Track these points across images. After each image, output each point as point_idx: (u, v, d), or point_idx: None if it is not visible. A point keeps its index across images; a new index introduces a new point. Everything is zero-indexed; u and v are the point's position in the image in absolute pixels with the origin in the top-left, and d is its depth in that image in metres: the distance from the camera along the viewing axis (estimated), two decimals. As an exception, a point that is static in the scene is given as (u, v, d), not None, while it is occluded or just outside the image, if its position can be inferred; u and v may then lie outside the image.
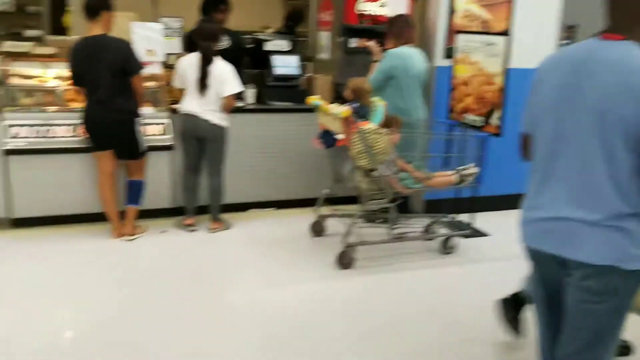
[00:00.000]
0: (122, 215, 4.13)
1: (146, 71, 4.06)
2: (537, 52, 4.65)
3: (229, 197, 4.50)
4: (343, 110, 3.59)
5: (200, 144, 4.21)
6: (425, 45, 4.69)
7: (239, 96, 4.31)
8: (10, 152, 3.97)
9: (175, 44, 4.70)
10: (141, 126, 4.01)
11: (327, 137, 3.87)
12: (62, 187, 4.17)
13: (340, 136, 3.73)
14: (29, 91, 4.22)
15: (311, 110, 4.09)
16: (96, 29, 3.79)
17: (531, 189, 1.95)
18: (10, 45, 4.61)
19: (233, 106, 4.22)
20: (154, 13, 5.10)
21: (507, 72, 4.02)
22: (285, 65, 4.81)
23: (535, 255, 1.99)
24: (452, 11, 4.58)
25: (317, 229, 4.34)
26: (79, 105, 4.06)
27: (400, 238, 4.09)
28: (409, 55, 4.20)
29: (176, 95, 4.34)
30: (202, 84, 4.02)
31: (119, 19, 3.99)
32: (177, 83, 4.20)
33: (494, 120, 4.15)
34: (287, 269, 3.79)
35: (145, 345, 2.85)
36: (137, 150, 4.02)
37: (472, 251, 4.24)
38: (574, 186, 1.79)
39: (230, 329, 3.06)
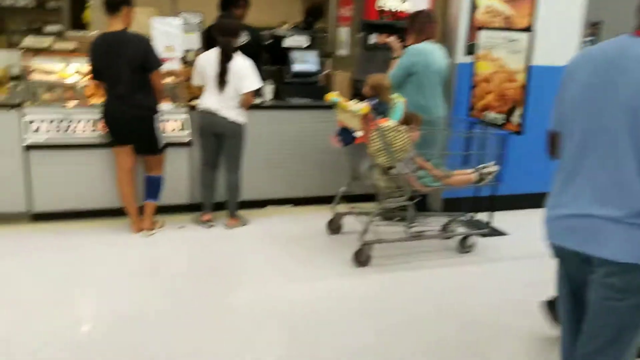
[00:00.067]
0: (141, 210, 4.16)
1: (165, 67, 4.07)
2: (560, 49, 4.65)
3: (246, 194, 4.50)
4: (362, 107, 3.56)
5: (218, 140, 4.21)
6: (447, 42, 4.63)
7: (257, 92, 4.30)
8: (31, 147, 4.01)
9: (194, 40, 4.70)
10: (160, 122, 4.02)
11: (346, 135, 3.84)
12: (81, 182, 4.21)
13: (358, 133, 3.70)
14: (50, 86, 4.25)
15: (329, 107, 4.07)
16: (116, 25, 3.80)
17: (556, 186, 1.95)
18: (31, 41, 4.64)
19: (252, 102, 4.21)
20: (173, 9, 5.11)
21: (530, 69, 3.96)
22: (304, 61, 4.79)
23: (560, 252, 1.99)
24: (474, 7, 4.52)
25: (334, 227, 4.32)
26: (99, 100, 4.09)
27: (417, 236, 4.06)
28: (430, 52, 4.15)
29: (194, 92, 4.34)
30: (222, 80, 4.01)
31: (138, 14, 4.00)
32: (196, 80, 4.20)
33: (515, 118, 4.09)
34: (303, 266, 3.78)
35: (160, 339, 2.86)
36: (156, 146, 4.03)
37: (490, 250, 4.20)
38: (600, 183, 1.78)
39: (247, 324, 3.05)
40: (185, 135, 4.31)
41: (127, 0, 3.82)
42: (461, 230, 4.32)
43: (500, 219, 4.51)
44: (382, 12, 4.99)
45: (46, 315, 3.02)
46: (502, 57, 4.14)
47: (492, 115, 4.27)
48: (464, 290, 3.59)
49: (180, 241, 4.10)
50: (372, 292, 3.51)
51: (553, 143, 2.04)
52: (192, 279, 3.55)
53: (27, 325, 2.92)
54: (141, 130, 3.94)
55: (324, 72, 5.01)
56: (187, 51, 4.61)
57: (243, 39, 4.48)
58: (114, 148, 4.04)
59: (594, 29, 5.97)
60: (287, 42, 4.82)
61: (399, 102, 3.82)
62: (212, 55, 4.06)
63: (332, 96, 3.87)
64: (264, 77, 4.44)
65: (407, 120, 3.76)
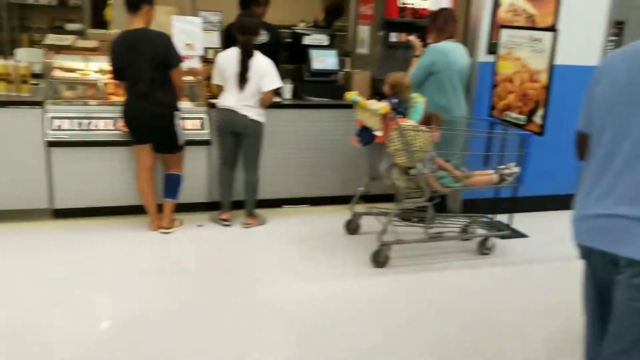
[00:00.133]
0: (160, 208, 4.17)
1: (185, 65, 4.08)
2: (584, 49, 4.58)
3: (264, 193, 4.50)
4: (382, 106, 3.53)
5: (237, 139, 4.21)
6: (468, 40, 4.59)
7: (276, 91, 4.29)
8: (53, 144, 4.04)
9: (214, 38, 4.71)
10: (180, 120, 4.03)
11: (365, 134, 3.81)
12: (101, 179, 4.24)
13: (378, 133, 3.67)
14: (71, 84, 4.28)
15: (348, 106, 4.05)
16: (137, 23, 3.82)
17: (584, 186, 1.93)
18: (53, 39, 4.68)
19: (272, 101, 4.21)
20: (193, 7, 5.12)
21: (552, 69, 3.90)
22: (324, 60, 4.76)
23: (586, 253, 1.97)
24: (496, 5, 4.45)
25: (352, 227, 4.30)
26: (120, 98, 4.11)
27: (437, 237, 4.02)
28: (451, 50, 4.11)
29: (214, 90, 4.35)
30: (242, 78, 4.01)
31: (158, 13, 4.02)
32: (216, 79, 4.19)
33: (537, 118, 4.03)
34: (321, 266, 3.77)
35: (175, 336, 2.87)
36: (176, 144, 4.05)
37: (510, 252, 4.15)
38: (628, 184, 1.77)
39: (264, 323, 3.05)
40: (204, 133, 4.32)
41: (148, -2, 3.84)
42: (481, 231, 4.27)
43: (520, 220, 4.45)
44: (403, 9, 4.95)
45: (58, 312, 3.05)
46: (524, 56, 4.08)
47: (513, 115, 4.21)
48: (482, 293, 3.56)
49: (198, 240, 4.12)
50: (390, 292, 3.49)
51: (581, 144, 2.00)
52: (208, 277, 3.56)
53: (40, 321, 2.95)
54: (161, 128, 3.96)
55: (344, 71, 4.98)
56: (207, 49, 4.62)
57: (262, 37, 4.47)
58: (134, 146, 4.06)
59: (617, 29, 5.87)
60: (307, 41, 4.79)
61: (419, 102, 3.78)
62: (233, 54, 4.05)
63: (352, 95, 3.84)
64: (283, 75, 4.43)
65: (428, 120, 3.73)
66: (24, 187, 4.11)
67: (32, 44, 7.32)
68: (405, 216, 4.27)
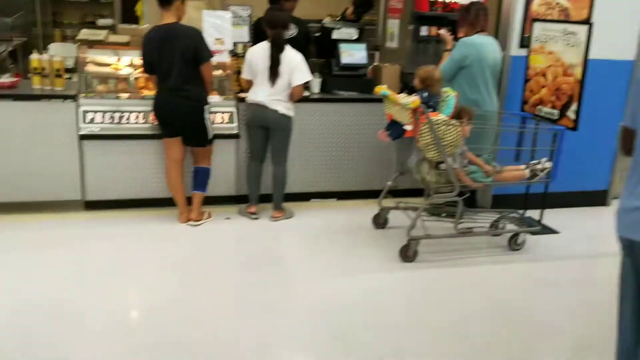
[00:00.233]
0: (189, 201, 4.21)
1: (215, 59, 4.10)
2: (619, 43, 4.47)
3: (292, 187, 4.51)
4: (413, 100, 3.50)
5: (265, 133, 4.23)
6: (500, 34, 4.52)
7: (305, 85, 4.29)
8: (85, 137, 4.11)
9: (243, 33, 4.72)
10: (209, 114, 4.06)
11: (395, 128, 3.78)
12: (132, 172, 4.30)
13: (408, 127, 3.64)
14: (103, 78, 4.34)
15: (377, 100, 4.02)
16: (168, 18, 3.85)
17: (630, 180, 1.92)
18: (86, 33, 4.76)
19: (302, 95, 4.21)
20: (223, 2, 5.15)
21: (587, 63, 3.81)
22: (353, 54, 4.74)
23: (629, 246, 1.95)
24: (529, -2, 4.38)
25: (380, 221, 4.28)
26: (150, 92, 4.16)
27: (466, 233, 3.98)
28: (483, 44, 4.06)
29: (243, 84, 4.37)
30: (273, 72, 4.02)
31: (189, 7, 4.05)
32: (246, 74, 4.20)
33: (571, 113, 3.96)
34: (348, 260, 3.76)
35: (201, 325, 2.89)
36: (205, 138, 4.08)
37: (541, 249, 4.09)
38: None
39: (289, 316, 3.06)
40: (232, 127, 4.34)
41: (179, -7, 3.87)
42: (511, 227, 4.21)
43: (551, 216, 4.39)
44: (433, 3, 4.90)
45: (90, 300, 3.10)
46: (557, 50, 4.00)
47: (546, 109, 4.14)
48: (512, 289, 3.52)
49: (225, 232, 4.15)
50: (419, 287, 3.48)
51: (626, 139, 1.97)
52: (236, 270, 3.59)
53: (71, 309, 3.00)
54: (191, 122, 3.99)
55: (372, 65, 4.95)
56: (236, 44, 4.64)
57: (291, 31, 4.47)
58: (164, 139, 4.11)
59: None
60: (336, 35, 4.77)
61: (450, 96, 3.74)
62: (263, 48, 4.06)
63: (382, 89, 3.81)
64: (312, 69, 4.43)
65: (459, 114, 3.69)
66: (57, 179, 4.19)
67: (64, 39, 7.47)
68: (435, 211, 4.24)
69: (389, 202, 4.26)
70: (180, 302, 3.14)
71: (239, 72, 4.39)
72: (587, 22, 3.88)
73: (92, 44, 4.58)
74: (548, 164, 3.84)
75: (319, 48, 4.98)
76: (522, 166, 3.89)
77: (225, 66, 4.47)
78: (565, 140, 3.84)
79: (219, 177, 4.40)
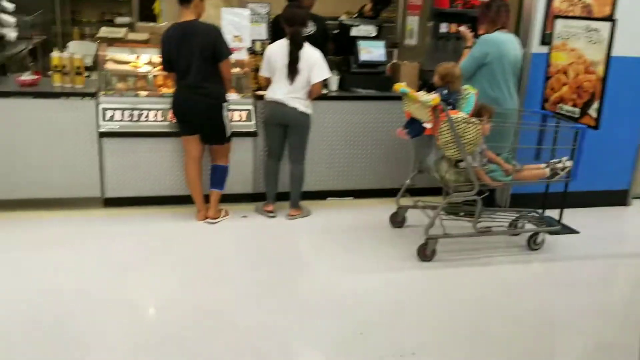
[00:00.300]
0: (207, 198, 4.22)
1: (233, 57, 4.10)
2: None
3: (309, 185, 4.50)
4: (432, 97, 3.47)
5: (283, 131, 4.22)
6: (521, 31, 4.46)
7: (323, 83, 4.27)
8: (105, 134, 4.14)
9: (261, 30, 4.72)
10: (228, 112, 4.06)
11: (414, 126, 3.76)
12: (151, 169, 4.32)
13: (427, 125, 3.61)
14: (123, 76, 4.37)
15: (395, 98, 4.00)
16: (187, 15, 3.86)
17: None
18: (106, 31, 4.79)
19: (320, 93, 4.20)
20: (241, -1, 5.14)
21: (609, 61, 3.76)
22: (371, 51, 4.71)
23: None
24: (551, -6, 4.32)
25: (398, 220, 4.26)
26: (169, 90, 4.18)
27: (485, 232, 3.94)
28: (504, 42, 4.01)
29: (261, 82, 4.36)
30: (292, 69, 4.01)
31: (208, 4, 4.05)
32: (264, 72, 4.20)
33: (592, 111, 3.90)
34: (366, 258, 3.75)
35: (217, 322, 2.91)
36: (224, 135, 4.08)
37: (560, 248, 4.05)
38: None
39: (307, 314, 3.06)
40: (250, 125, 4.34)
41: (198, -9, 3.87)
42: (530, 226, 4.17)
43: (571, 216, 4.33)
44: (453, 0, 4.86)
45: (110, 296, 3.13)
46: (580, 47, 3.95)
47: (567, 107, 4.09)
48: (531, 289, 3.50)
49: (243, 230, 4.15)
50: (436, 286, 3.46)
51: None
52: (253, 267, 3.60)
53: (91, 306, 3.03)
54: (209, 120, 4.00)
55: (391, 63, 4.92)
56: (255, 41, 4.64)
57: (310, 28, 4.46)
58: (183, 137, 4.12)
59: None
60: (355, 32, 4.74)
61: (471, 94, 3.70)
62: (282, 46, 4.06)
63: (401, 86, 3.78)
64: (330, 67, 4.41)
65: (479, 112, 3.64)
66: (76, 176, 4.22)
67: (83, 37, 7.53)
68: (452, 210, 4.21)
69: (406, 201, 4.23)
70: (197, 298, 3.15)
71: (257, 70, 4.39)
72: (610, 18, 3.81)
73: (111, 41, 4.60)
74: (569, 163, 3.80)
75: (337, 45, 4.96)
76: (543, 165, 3.86)
77: (243, 64, 4.47)
78: (586, 139, 3.79)
79: (237, 175, 4.41)
